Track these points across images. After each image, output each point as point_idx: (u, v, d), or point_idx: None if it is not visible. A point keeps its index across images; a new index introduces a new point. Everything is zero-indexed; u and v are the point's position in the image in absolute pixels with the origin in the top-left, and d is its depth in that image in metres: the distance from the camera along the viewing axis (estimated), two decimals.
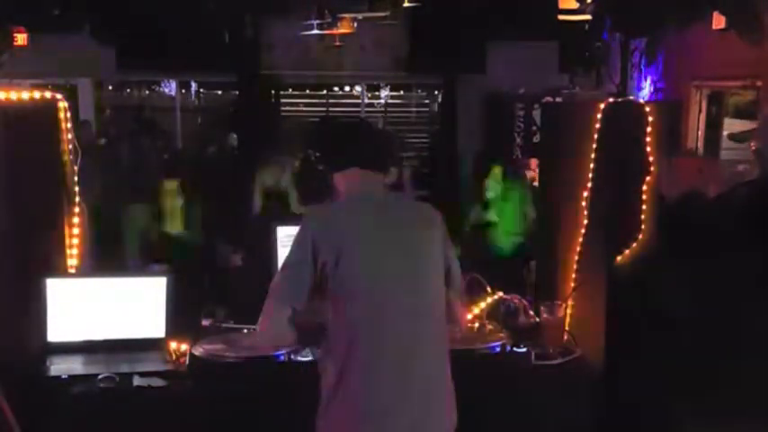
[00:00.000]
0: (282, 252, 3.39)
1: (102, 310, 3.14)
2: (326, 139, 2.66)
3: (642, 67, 8.26)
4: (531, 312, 3.47)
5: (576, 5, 6.88)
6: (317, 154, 2.61)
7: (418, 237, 2.46)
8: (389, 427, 2.34)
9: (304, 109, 11.13)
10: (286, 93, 10.85)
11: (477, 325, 3.35)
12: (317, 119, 10.92)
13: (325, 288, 2.34)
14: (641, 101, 3.19)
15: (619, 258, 3.08)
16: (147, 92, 10.93)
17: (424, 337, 2.40)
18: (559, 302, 3.32)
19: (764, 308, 2.52)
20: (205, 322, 3.36)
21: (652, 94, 8.06)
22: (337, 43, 9.20)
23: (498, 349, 3.16)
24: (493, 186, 4.37)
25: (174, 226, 5.92)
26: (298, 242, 2.38)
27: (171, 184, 5.92)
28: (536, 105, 9.31)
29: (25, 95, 2.98)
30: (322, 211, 2.51)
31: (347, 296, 2.33)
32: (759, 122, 2.73)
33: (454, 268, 2.58)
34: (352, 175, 2.51)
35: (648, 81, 8.19)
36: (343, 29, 8.55)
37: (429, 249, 2.47)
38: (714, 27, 6.84)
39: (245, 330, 3.32)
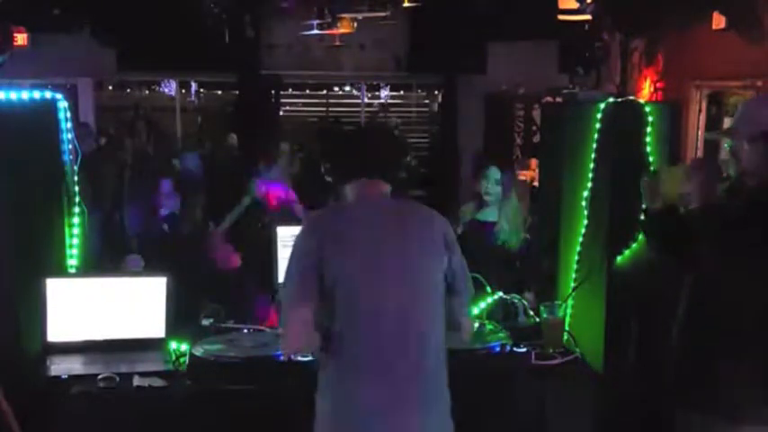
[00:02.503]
0: (282, 252, 3.40)
1: (102, 310, 3.14)
2: (332, 152, 2.66)
3: (642, 67, 8.26)
4: (531, 312, 3.48)
5: (576, 5, 6.88)
6: (326, 166, 2.60)
7: (410, 239, 2.44)
8: (371, 427, 2.34)
9: (304, 109, 11.14)
10: (286, 93, 10.85)
11: (477, 325, 3.35)
12: (316, 119, 10.94)
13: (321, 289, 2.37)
14: (641, 101, 3.20)
15: (619, 258, 3.08)
16: (147, 92, 10.92)
17: (410, 339, 2.37)
18: (559, 302, 3.32)
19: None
20: (205, 322, 3.36)
21: (652, 94, 8.05)
22: (337, 43, 9.20)
23: (498, 349, 3.16)
24: (491, 188, 4.33)
25: (172, 225, 5.92)
26: (297, 249, 2.42)
27: (170, 185, 5.92)
28: (536, 105, 9.31)
29: (25, 95, 2.98)
30: (315, 217, 2.56)
31: (333, 297, 2.36)
32: (734, 117, 2.71)
33: (460, 275, 2.55)
34: (359, 185, 2.52)
35: (648, 81, 8.19)
36: (343, 29, 8.54)
37: (421, 252, 2.43)
38: (714, 27, 6.83)
39: (245, 330, 3.32)
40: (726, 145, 2.69)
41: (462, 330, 2.60)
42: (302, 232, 2.45)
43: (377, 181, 2.51)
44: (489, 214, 4.36)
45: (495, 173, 4.34)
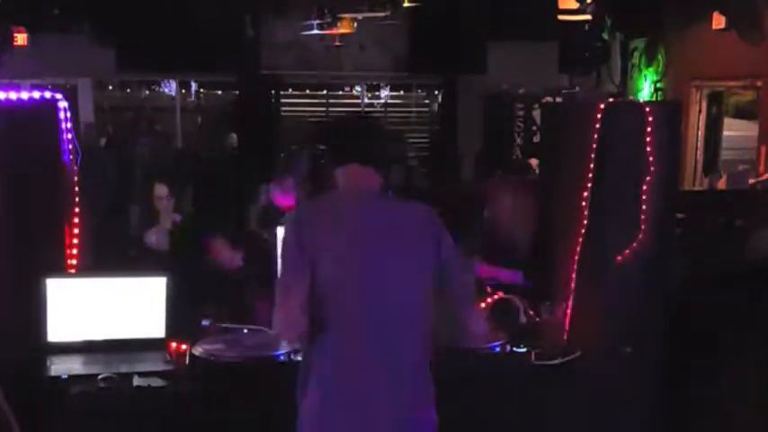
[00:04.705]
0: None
1: (102, 310, 3.13)
2: (329, 134, 2.65)
3: (642, 67, 8.27)
4: (531, 312, 3.47)
5: (576, 5, 6.89)
6: (321, 148, 2.60)
7: (400, 237, 2.42)
8: (356, 419, 2.37)
9: (304, 109, 11.13)
10: (286, 93, 10.85)
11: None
12: (317, 119, 10.94)
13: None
14: (641, 101, 3.20)
15: (619, 258, 3.08)
16: (147, 92, 10.92)
17: (394, 336, 2.38)
18: (559, 302, 3.32)
19: None
20: (205, 322, 3.36)
21: (652, 94, 8.06)
22: (337, 43, 9.21)
23: (498, 349, 3.15)
24: None
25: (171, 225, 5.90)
26: (285, 245, 2.44)
27: (162, 188, 5.90)
28: (536, 105, 9.33)
29: (25, 95, 2.98)
30: (300, 210, 2.56)
31: (320, 294, 2.37)
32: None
33: (456, 274, 2.52)
34: (351, 171, 2.50)
35: (648, 81, 8.19)
36: (343, 29, 8.55)
37: (412, 251, 2.42)
38: (714, 27, 6.85)
39: (245, 330, 3.32)
40: None
41: (469, 327, 2.57)
42: (286, 228, 2.47)
43: (369, 169, 2.49)
44: None
45: None
